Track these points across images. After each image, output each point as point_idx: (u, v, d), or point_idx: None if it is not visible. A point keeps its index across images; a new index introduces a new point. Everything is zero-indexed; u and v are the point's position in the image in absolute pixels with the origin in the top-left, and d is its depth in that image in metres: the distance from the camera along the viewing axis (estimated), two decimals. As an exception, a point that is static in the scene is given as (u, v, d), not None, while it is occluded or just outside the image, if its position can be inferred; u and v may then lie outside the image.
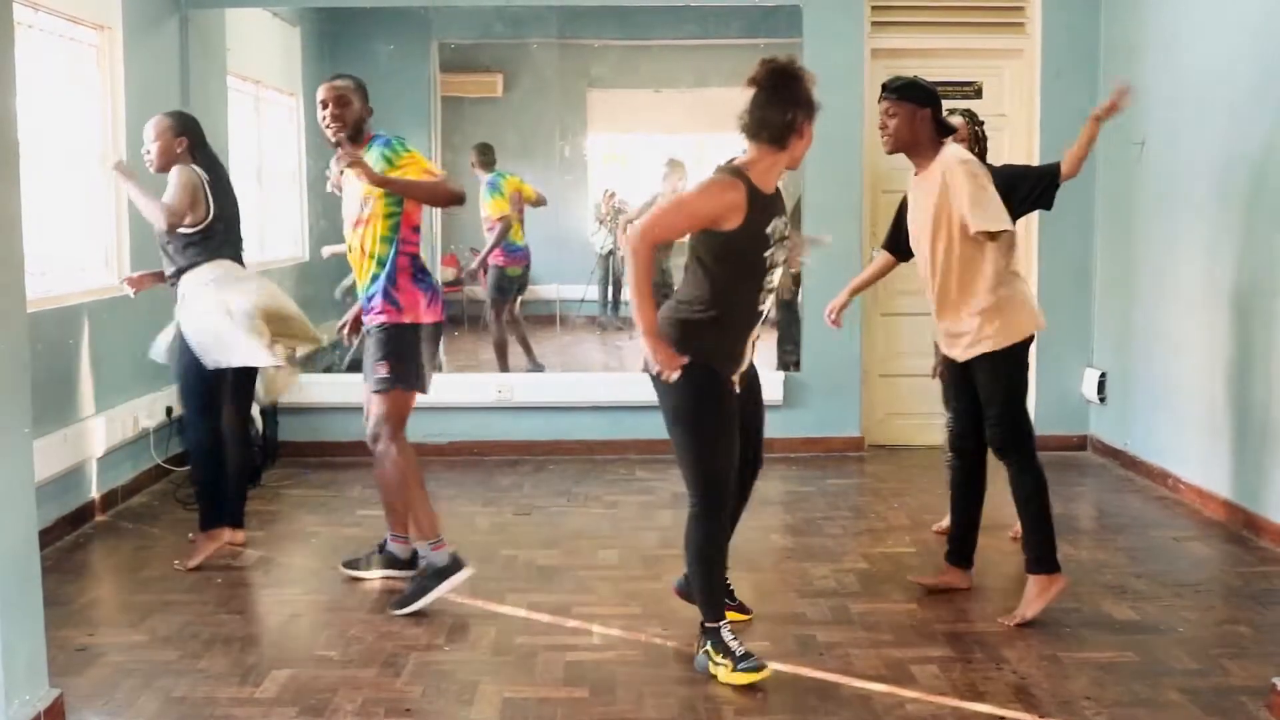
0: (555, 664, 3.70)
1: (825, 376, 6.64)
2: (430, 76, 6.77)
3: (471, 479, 6.09)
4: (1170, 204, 5.75)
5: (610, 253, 7.01)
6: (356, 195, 4.18)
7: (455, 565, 4.21)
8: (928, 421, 6.76)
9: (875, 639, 3.89)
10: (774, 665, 3.66)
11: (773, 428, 6.57)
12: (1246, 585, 4.41)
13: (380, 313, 4.17)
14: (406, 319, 4.17)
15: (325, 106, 4.18)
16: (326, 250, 6.43)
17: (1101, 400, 6.45)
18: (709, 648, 3.56)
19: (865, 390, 6.72)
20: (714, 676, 3.53)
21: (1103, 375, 6.42)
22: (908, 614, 4.12)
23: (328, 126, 4.18)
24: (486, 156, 6.76)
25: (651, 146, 7.16)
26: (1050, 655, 3.74)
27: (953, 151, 3.99)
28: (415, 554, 4.45)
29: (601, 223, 6.99)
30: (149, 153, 4.60)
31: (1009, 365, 4.07)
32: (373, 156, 4.12)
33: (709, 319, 3.51)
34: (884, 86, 4.06)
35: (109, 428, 5.43)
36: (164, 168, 4.56)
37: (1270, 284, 4.87)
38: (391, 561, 4.52)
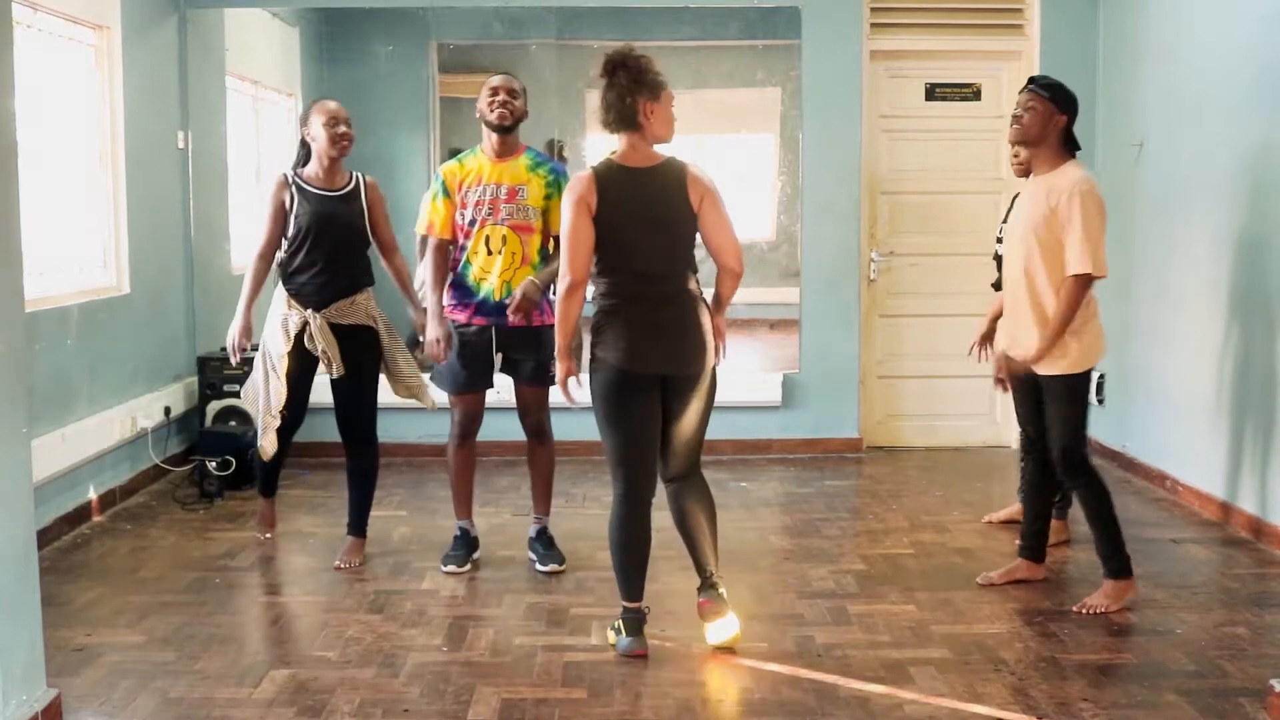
0: (553, 665, 3.70)
1: (824, 378, 6.64)
2: (429, 77, 6.77)
3: (470, 480, 6.08)
4: (1169, 205, 5.75)
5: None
6: (521, 195, 4.42)
7: None
8: (926, 423, 6.78)
9: (873, 640, 3.89)
10: (772, 666, 3.67)
11: (771, 429, 6.66)
12: (1244, 587, 4.42)
13: (546, 315, 4.47)
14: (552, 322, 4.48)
15: (496, 94, 4.37)
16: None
17: (1100, 402, 6.45)
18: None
19: (864, 392, 6.72)
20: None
21: (1101, 376, 6.42)
22: (906, 615, 4.12)
23: (499, 109, 4.36)
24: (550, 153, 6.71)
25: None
26: (1048, 657, 3.74)
27: (1084, 175, 4.02)
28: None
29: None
30: (346, 135, 4.53)
31: (1080, 389, 4.15)
32: (541, 174, 4.46)
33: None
34: (1031, 79, 4.16)
35: (107, 428, 5.43)
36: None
37: (1269, 285, 4.87)
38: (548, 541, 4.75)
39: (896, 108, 6.69)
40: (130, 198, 5.74)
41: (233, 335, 4.57)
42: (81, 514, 5.22)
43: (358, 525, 4.75)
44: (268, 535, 5.03)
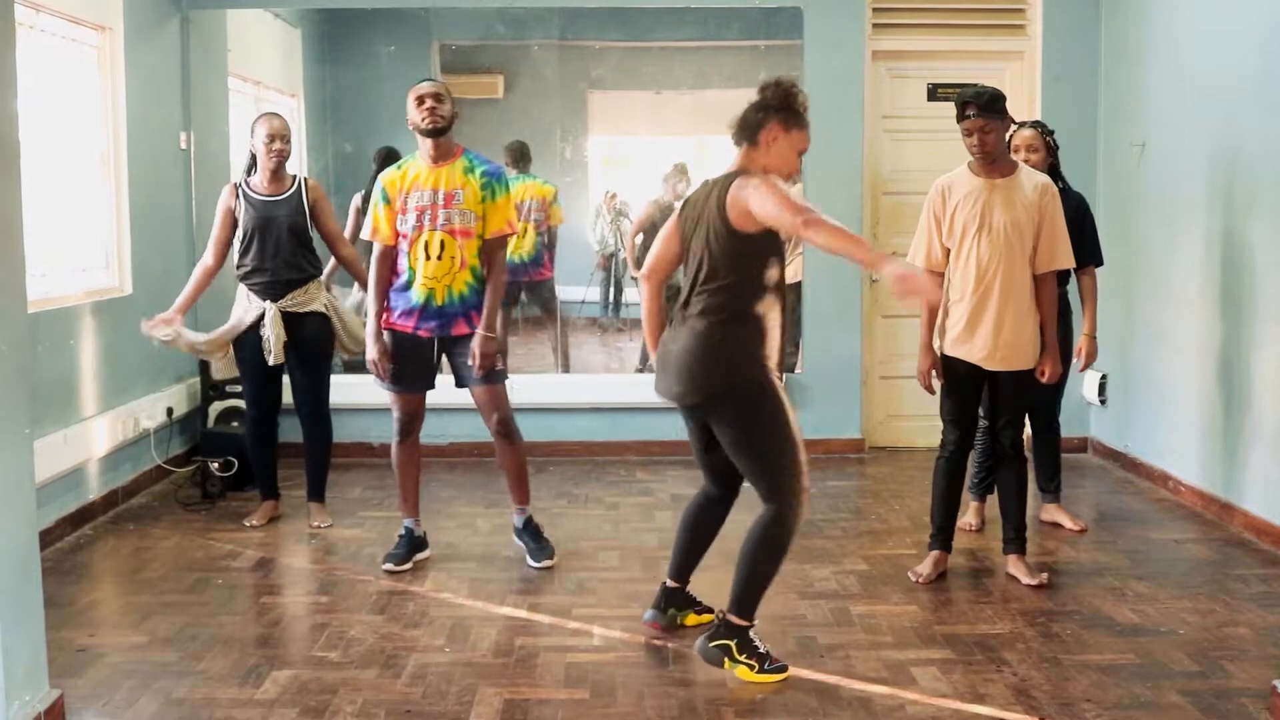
0: (556, 665, 3.70)
1: (826, 378, 6.64)
2: (431, 78, 6.76)
3: (472, 480, 6.09)
4: (1170, 206, 5.75)
5: (612, 254, 7.00)
6: (458, 199, 4.43)
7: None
8: (928, 424, 6.74)
9: (875, 641, 3.89)
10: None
11: (773, 429, 6.64)
12: (1247, 587, 4.41)
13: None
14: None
15: (423, 102, 4.42)
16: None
17: (1102, 402, 6.45)
18: (733, 645, 3.57)
19: (866, 392, 6.72)
20: (723, 667, 3.58)
21: (1103, 377, 6.42)
22: (908, 616, 4.12)
23: (427, 116, 4.40)
24: (512, 156, 6.68)
25: (652, 148, 7.17)
26: (1051, 657, 3.74)
27: (1044, 176, 4.33)
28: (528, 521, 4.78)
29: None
30: (282, 151, 5.02)
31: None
32: (476, 176, 4.47)
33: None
34: (970, 102, 4.19)
35: (109, 428, 5.44)
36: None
37: (1270, 285, 4.87)
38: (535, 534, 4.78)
39: (898, 108, 6.69)
40: (133, 198, 5.74)
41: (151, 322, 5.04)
42: (84, 515, 5.23)
43: (317, 492, 5.30)
44: (253, 524, 5.21)
